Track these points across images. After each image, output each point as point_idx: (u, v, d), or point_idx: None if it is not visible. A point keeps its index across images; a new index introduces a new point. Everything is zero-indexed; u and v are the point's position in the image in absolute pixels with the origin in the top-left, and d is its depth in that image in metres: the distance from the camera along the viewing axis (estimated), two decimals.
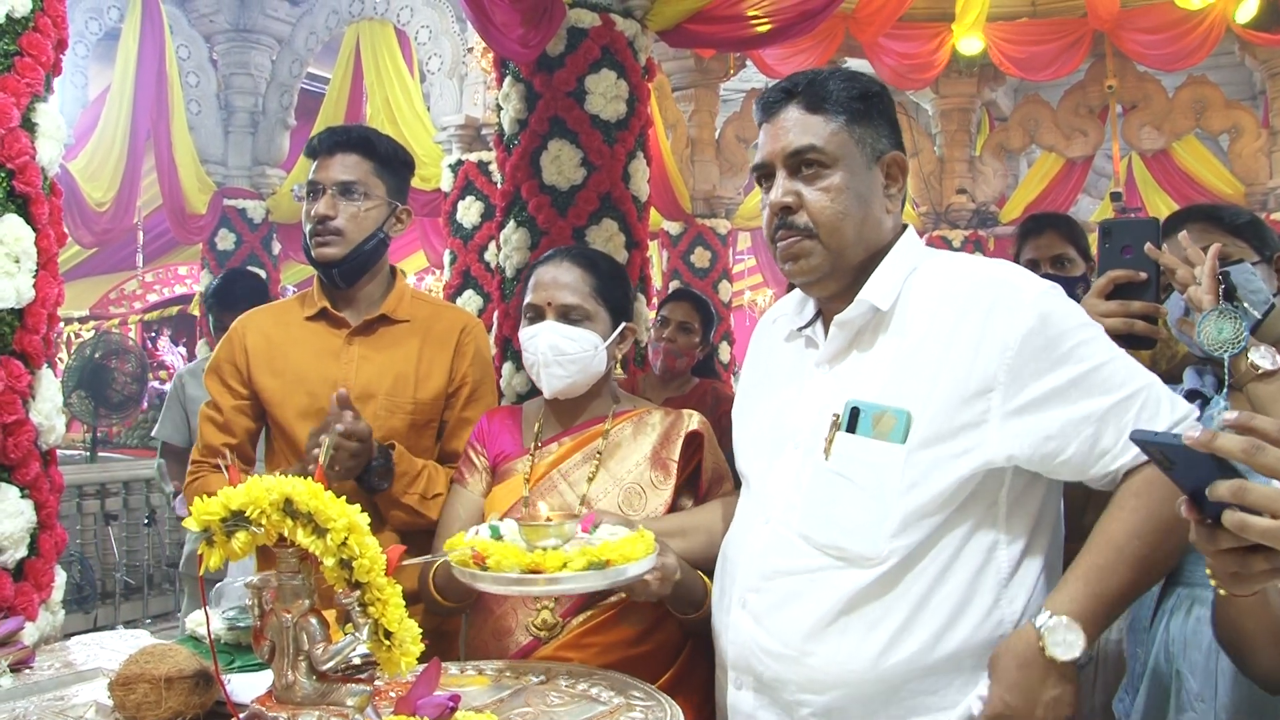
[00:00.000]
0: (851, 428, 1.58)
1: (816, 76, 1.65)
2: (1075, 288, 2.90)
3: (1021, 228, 3.14)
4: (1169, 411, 1.52)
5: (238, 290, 4.27)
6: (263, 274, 8.24)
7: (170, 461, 4.46)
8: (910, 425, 1.53)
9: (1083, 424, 1.51)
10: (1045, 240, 2.96)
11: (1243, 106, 8.95)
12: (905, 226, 1.71)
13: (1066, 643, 1.44)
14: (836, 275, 1.64)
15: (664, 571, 1.73)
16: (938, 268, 1.64)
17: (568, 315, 2.04)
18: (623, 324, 2.10)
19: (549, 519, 1.60)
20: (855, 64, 7.97)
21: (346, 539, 1.17)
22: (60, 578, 2.30)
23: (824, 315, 1.73)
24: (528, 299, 2.09)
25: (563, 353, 2.01)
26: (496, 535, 1.65)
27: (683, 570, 1.80)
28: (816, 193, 1.60)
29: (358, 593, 1.19)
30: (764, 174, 1.67)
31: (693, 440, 2.03)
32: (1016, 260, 3.02)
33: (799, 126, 1.62)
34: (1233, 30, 7.44)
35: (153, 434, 4.61)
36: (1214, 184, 9.49)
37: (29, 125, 2.18)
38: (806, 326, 1.76)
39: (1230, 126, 8.79)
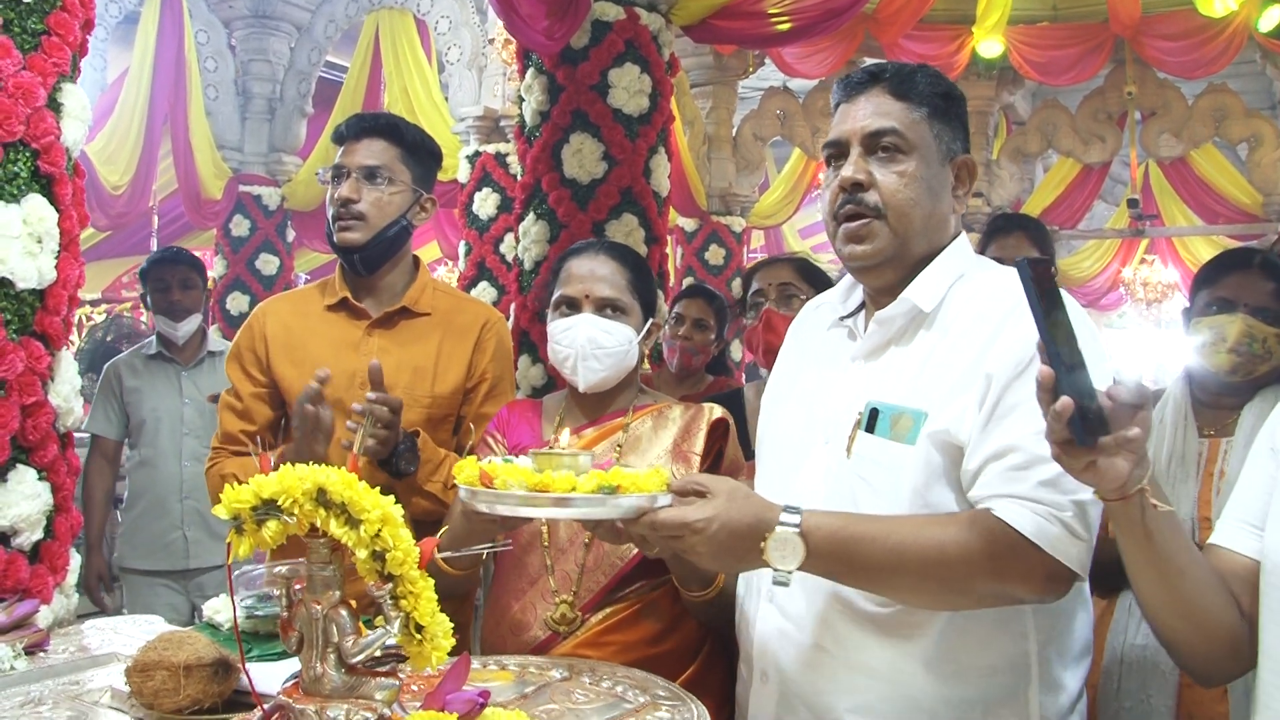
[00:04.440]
0: (871, 428, 1.57)
1: (904, 68, 1.66)
2: None
3: (990, 225, 3.14)
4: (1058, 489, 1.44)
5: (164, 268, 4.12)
6: (276, 261, 8.25)
7: (96, 458, 4.11)
8: (924, 427, 1.52)
9: (988, 443, 1.48)
10: (1013, 241, 2.97)
11: (1262, 116, 8.88)
12: (961, 233, 1.70)
13: (782, 557, 1.44)
14: (896, 263, 1.62)
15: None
16: (986, 279, 1.62)
17: (606, 308, 2.02)
18: (650, 320, 2.09)
19: (565, 448, 1.55)
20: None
21: (380, 530, 1.15)
22: (75, 561, 2.28)
23: (868, 307, 1.71)
24: (561, 291, 2.06)
25: (600, 346, 1.99)
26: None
27: None
28: (891, 175, 1.59)
29: (390, 585, 1.17)
30: (836, 152, 1.66)
31: (718, 428, 2.01)
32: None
33: (883, 109, 1.62)
34: (1254, 39, 7.38)
35: (82, 426, 4.28)
36: (1232, 193, 9.43)
37: (55, 105, 2.16)
38: (849, 316, 1.74)
39: (1249, 136, 8.71)
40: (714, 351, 4.10)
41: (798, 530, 1.44)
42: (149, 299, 4.13)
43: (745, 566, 1.53)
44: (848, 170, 1.61)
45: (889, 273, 1.64)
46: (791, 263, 2.90)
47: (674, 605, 1.91)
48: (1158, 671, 2.15)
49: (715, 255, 8.69)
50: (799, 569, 1.45)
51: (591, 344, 1.99)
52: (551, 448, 1.57)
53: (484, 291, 6.69)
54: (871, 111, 1.62)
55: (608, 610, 1.90)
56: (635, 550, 1.85)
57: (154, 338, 4.16)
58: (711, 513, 1.44)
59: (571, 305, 2.04)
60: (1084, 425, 1.14)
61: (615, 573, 1.91)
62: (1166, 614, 1.31)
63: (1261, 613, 1.27)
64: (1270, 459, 1.34)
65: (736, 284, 8.74)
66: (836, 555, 1.46)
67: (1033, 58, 8.15)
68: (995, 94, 9.32)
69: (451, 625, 1.23)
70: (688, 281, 8.25)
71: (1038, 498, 1.42)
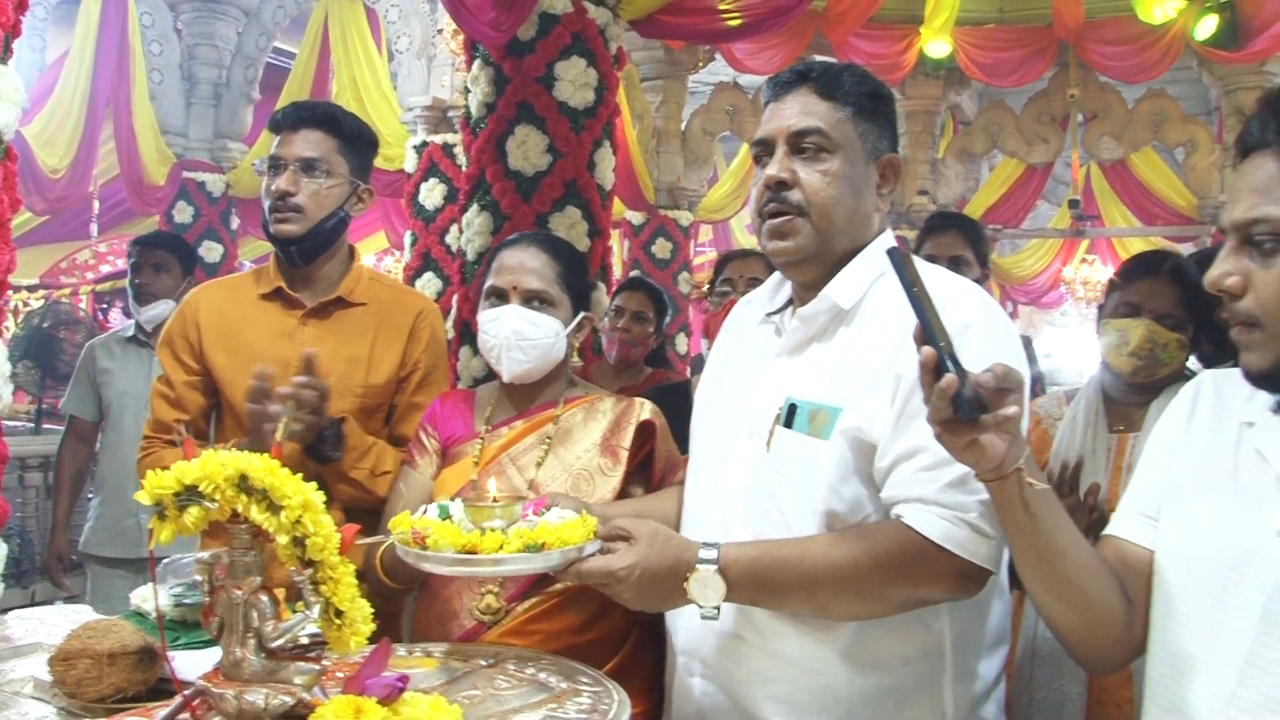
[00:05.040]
0: (789, 423, 1.60)
1: (832, 67, 1.69)
2: None
3: (927, 223, 3.18)
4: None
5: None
6: (220, 248, 8.15)
7: (70, 438, 4.13)
8: (838, 423, 1.56)
9: (898, 443, 1.51)
10: (948, 239, 2.98)
11: (1199, 121, 9.11)
12: (885, 230, 1.73)
13: (705, 595, 1.51)
14: (818, 260, 1.65)
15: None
16: None
17: (533, 300, 2.02)
18: (582, 313, 2.10)
19: (495, 499, 1.59)
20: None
21: (301, 516, 1.17)
22: (1, 551, 2.25)
23: (794, 303, 1.74)
24: (491, 281, 2.07)
25: (525, 337, 2.00)
26: (445, 515, 1.63)
27: None
28: (814, 174, 1.62)
29: (310, 571, 1.18)
30: (763, 150, 1.68)
31: (645, 429, 2.03)
32: (916, 254, 3.06)
33: (808, 109, 1.64)
34: (1192, 46, 7.56)
35: (59, 407, 4.31)
36: (1168, 196, 9.67)
37: None
38: (776, 313, 1.77)
39: (1186, 140, 8.95)
40: (653, 344, 4.11)
41: (716, 567, 1.50)
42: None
43: (671, 605, 1.58)
44: (772, 169, 1.64)
45: (811, 269, 1.67)
46: (764, 258, 2.92)
47: (599, 595, 1.93)
48: (1069, 660, 2.20)
49: (662, 249, 8.73)
50: (723, 601, 1.51)
51: (516, 335, 2.00)
52: (484, 498, 1.61)
53: (429, 282, 6.67)
54: (798, 111, 1.65)
55: (533, 600, 1.91)
56: None
57: (133, 321, 4.12)
58: (634, 559, 1.50)
59: (500, 296, 2.05)
60: (967, 402, 1.19)
61: None
62: (1049, 597, 1.35)
63: (1153, 603, 1.31)
64: (1167, 456, 1.38)
65: (684, 277, 8.80)
66: (755, 584, 1.52)
67: (979, 59, 8.28)
68: (942, 94, 9.46)
69: (384, 612, 1.25)
70: (634, 274, 8.27)
71: (943, 500, 1.46)
